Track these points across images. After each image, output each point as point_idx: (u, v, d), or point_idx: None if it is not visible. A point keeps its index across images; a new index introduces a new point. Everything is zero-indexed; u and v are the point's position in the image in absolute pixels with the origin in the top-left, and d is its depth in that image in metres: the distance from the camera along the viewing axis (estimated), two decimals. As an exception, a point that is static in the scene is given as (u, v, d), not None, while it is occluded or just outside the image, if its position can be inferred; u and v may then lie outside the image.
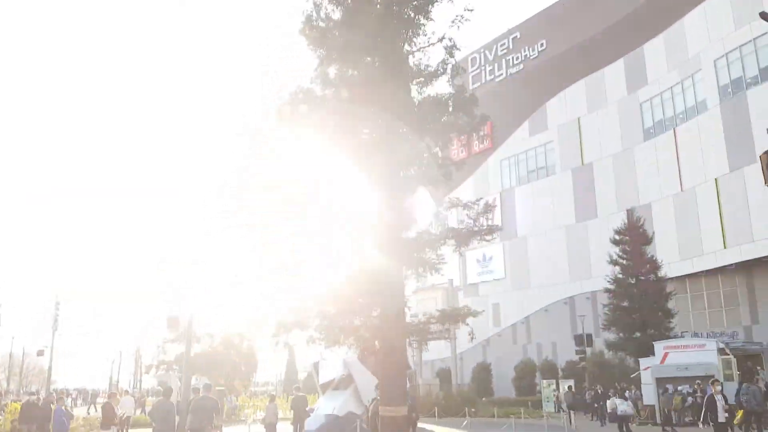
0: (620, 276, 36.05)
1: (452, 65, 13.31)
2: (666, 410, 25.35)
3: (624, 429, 23.27)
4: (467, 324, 13.13)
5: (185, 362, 19.72)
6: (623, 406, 23.38)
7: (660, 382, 27.63)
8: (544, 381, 43.19)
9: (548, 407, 39.37)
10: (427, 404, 34.14)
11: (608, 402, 26.77)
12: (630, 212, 38.44)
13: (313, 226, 13.58)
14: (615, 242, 37.02)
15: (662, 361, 28.58)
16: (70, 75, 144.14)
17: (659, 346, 29.19)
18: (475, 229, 13.02)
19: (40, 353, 43.10)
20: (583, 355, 41.29)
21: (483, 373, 49.66)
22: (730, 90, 40.74)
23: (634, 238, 36.15)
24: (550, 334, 50.69)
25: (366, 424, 16.54)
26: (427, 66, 13.52)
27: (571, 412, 27.70)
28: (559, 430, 25.06)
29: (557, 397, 39.90)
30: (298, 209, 13.91)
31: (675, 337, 33.90)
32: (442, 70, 13.38)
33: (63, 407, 17.21)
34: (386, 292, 12.68)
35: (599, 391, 28.85)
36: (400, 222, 12.78)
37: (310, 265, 13.59)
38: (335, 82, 13.91)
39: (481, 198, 13.51)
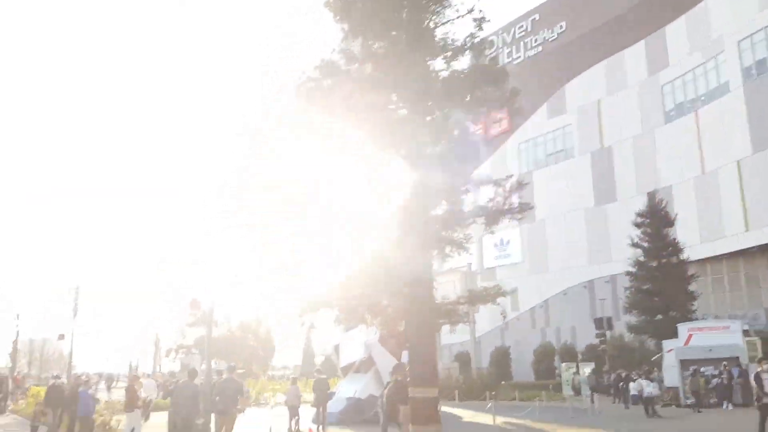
0: (642, 259, 35.67)
1: (481, 39, 12.97)
2: (698, 392, 25.14)
3: (650, 410, 23.07)
4: (498, 304, 12.93)
5: (206, 345, 19.71)
6: (649, 388, 23.17)
7: (684, 364, 27.37)
8: (563, 364, 43.00)
9: (568, 390, 39.20)
10: (448, 387, 34.06)
11: (632, 384, 26.51)
12: (652, 194, 37.96)
13: (337, 205, 13.39)
14: (637, 225, 36.59)
15: (686, 343, 28.32)
16: (71, 75, 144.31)
17: (683, 328, 28.90)
18: (506, 207, 12.77)
19: (61, 337, 43.37)
20: (603, 338, 41.06)
21: (502, 356, 49.47)
22: (754, 71, 40.07)
23: (655, 220, 35.70)
24: (569, 318, 50.37)
25: (381, 408, 16.36)
26: (454, 40, 13.20)
27: (594, 395, 27.45)
28: (582, 414, 24.90)
29: (573, 381, 39.70)
30: (323, 187, 13.73)
31: (697, 319, 33.57)
32: (469, 44, 13.04)
33: (89, 391, 17.21)
34: (414, 271, 12.48)
35: (622, 375, 28.58)
36: (428, 200, 12.55)
37: (335, 244, 13.41)
38: (360, 57, 13.67)
39: (511, 175, 13.25)
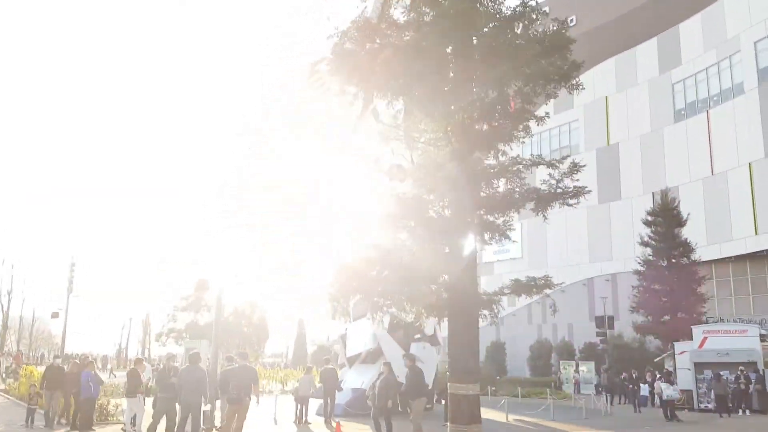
0: (651, 258, 34.90)
1: (532, 6, 11.90)
2: (722, 396, 24.35)
3: (669, 413, 22.26)
4: (547, 295, 11.97)
5: (214, 330, 18.61)
6: (669, 391, 22.32)
7: (698, 367, 26.65)
8: (563, 362, 42.35)
9: (569, 389, 38.54)
10: (446, 381, 33.14)
11: (642, 386, 25.77)
12: (664, 193, 37.15)
13: (375, 187, 12.37)
14: (647, 223, 35.78)
15: (700, 346, 27.55)
16: (74, 72, 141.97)
17: (698, 330, 28.13)
18: (559, 190, 11.77)
19: (55, 315, 41.95)
20: (603, 337, 40.39)
21: (497, 351, 48.74)
22: (770, 73, 39.40)
23: (667, 219, 34.91)
24: (567, 315, 49.57)
25: (372, 402, 15.34)
26: (501, 10, 12.14)
27: (606, 395, 26.64)
28: (596, 414, 24.05)
29: (576, 380, 39.10)
30: (361, 166, 12.70)
31: (707, 322, 32.89)
32: (519, 13, 11.98)
33: (93, 372, 16.09)
34: (457, 257, 11.48)
35: (633, 375, 27.78)
36: (475, 181, 11.53)
37: (370, 229, 12.37)
38: (401, 24, 12.62)
39: (567, 156, 12.24)
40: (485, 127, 12.26)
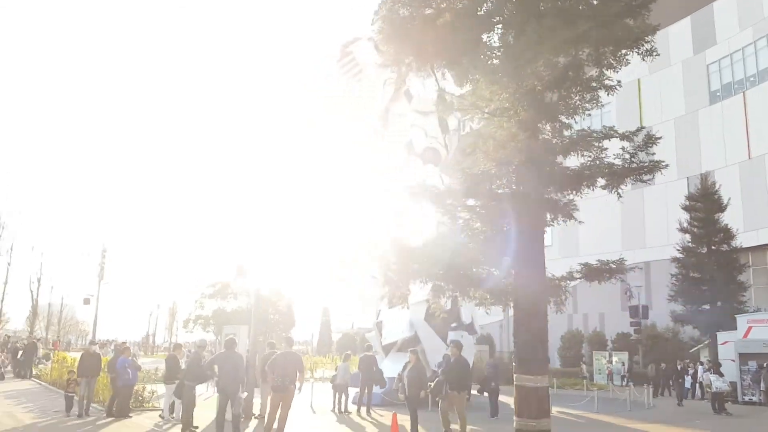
0: (690, 245, 33.81)
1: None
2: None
3: (717, 406, 21.36)
4: (623, 280, 11.12)
5: (253, 316, 17.99)
6: (718, 383, 21.40)
7: (743, 357, 25.67)
8: (596, 353, 41.43)
9: (600, 379, 37.68)
10: (479, 370, 32.37)
11: (683, 377, 24.84)
12: (704, 177, 35.96)
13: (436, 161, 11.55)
14: (686, 208, 34.67)
15: (745, 336, 26.58)
16: (120, 61, 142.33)
17: (742, 320, 27.17)
18: (634, 165, 10.88)
19: (86, 302, 41.58)
20: (638, 327, 39.36)
21: (526, 341, 47.82)
22: (810, 51, 38.00)
23: (707, 204, 33.76)
24: (598, 305, 48.60)
25: (403, 394, 14.63)
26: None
27: (648, 386, 25.68)
28: (639, 406, 23.17)
29: (609, 370, 38.23)
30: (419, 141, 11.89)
31: (748, 311, 31.79)
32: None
33: (130, 358, 15.49)
34: (526, 238, 10.65)
35: (678, 367, 26.82)
36: (541, 155, 10.66)
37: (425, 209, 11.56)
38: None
39: (642, 127, 11.33)
40: (554, 96, 11.37)
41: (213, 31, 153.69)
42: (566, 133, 11.43)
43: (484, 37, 11.22)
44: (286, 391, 13.29)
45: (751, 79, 42.04)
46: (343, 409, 19.38)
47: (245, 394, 15.54)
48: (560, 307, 11.23)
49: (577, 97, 11.14)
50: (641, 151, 10.95)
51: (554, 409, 20.92)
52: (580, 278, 11.31)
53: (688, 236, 34.10)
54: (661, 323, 42.22)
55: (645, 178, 11.02)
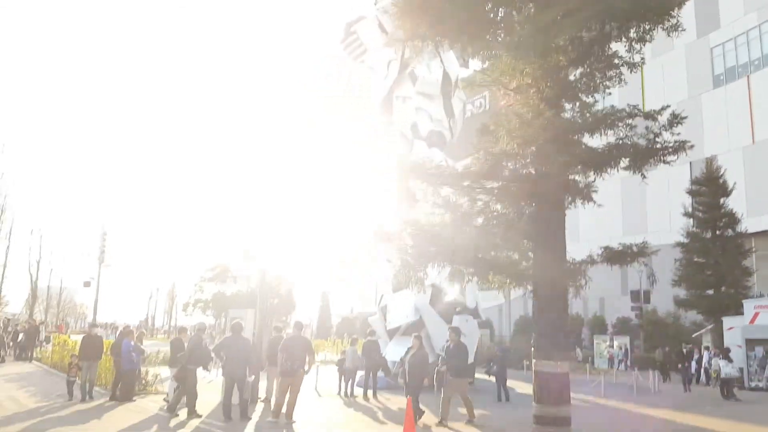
0: (695, 230, 33.57)
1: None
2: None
3: (726, 392, 21.18)
4: (645, 264, 10.83)
5: (258, 299, 17.70)
6: (728, 368, 21.19)
7: (750, 343, 25.47)
8: (597, 336, 41.30)
9: (601, 364, 37.56)
10: (481, 355, 32.20)
11: (689, 361, 24.65)
12: (709, 161, 35.66)
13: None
14: (691, 193, 34.40)
15: (752, 321, 26.37)
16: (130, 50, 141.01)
17: (749, 305, 26.94)
18: (658, 145, 10.56)
19: (87, 284, 41.20)
20: (639, 312, 39.20)
21: (527, 325, 47.71)
22: (816, 35, 37.59)
23: (712, 188, 33.48)
24: (598, 289, 48.34)
25: (405, 379, 14.36)
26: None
27: (654, 372, 25.48)
28: (645, 392, 23.00)
29: (610, 354, 38.12)
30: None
31: (753, 296, 31.59)
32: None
33: (133, 342, 15.16)
34: (547, 220, 10.33)
35: (684, 351, 26.62)
36: (567, 133, 10.31)
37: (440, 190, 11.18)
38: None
39: (667, 105, 10.98)
40: (578, 72, 11.04)
41: (213, 31, 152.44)
42: (586, 113, 11.08)
43: (503, 11, 10.83)
44: (295, 375, 13.06)
45: (756, 62, 41.60)
46: (349, 393, 19.16)
47: (252, 377, 15.28)
48: (578, 291, 10.94)
49: (599, 75, 10.79)
50: (666, 130, 10.62)
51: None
52: (601, 261, 10.97)
53: (692, 221, 33.84)
54: (661, 308, 42.12)
55: (669, 159, 10.66)
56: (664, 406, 18.58)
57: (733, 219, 32.74)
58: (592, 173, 10.93)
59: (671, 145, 10.48)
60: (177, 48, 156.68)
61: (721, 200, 33.26)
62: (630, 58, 10.81)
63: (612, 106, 10.74)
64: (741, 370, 24.31)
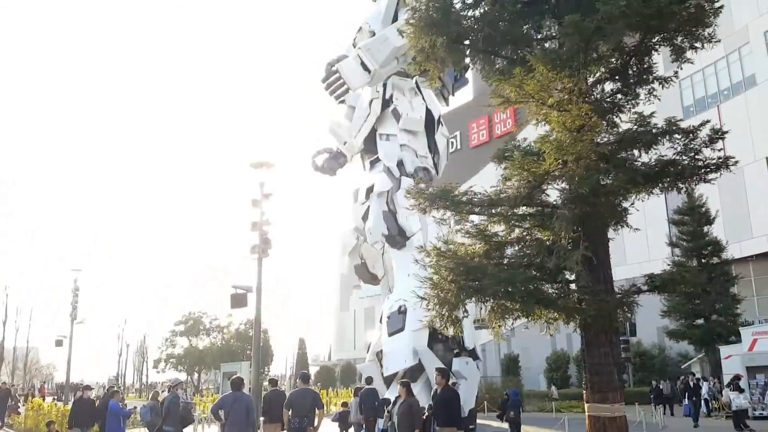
0: (680, 259, 33.26)
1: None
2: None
3: (741, 425, 20.37)
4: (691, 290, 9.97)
5: (254, 351, 16.42)
6: (739, 400, 20.44)
7: (750, 371, 24.89)
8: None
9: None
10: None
11: (697, 393, 23.87)
12: (690, 191, 35.55)
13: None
14: (675, 222, 34.24)
15: (750, 348, 25.82)
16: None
17: (746, 332, 26.44)
18: (699, 162, 9.82)
19: (59, 343, 38.74)
20: (626, 345, 38.57)
21: (512, 364, 46.79)
22: (784, 63, 38.32)
23: (695, 217, 33.37)
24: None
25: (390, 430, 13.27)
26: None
27: (657, 405, 24.67)
28: (654, 428, 22.11)
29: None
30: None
31: (743, 324, 31.20)
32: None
33: (120, 402, 13.68)
34: (591, 248, 9.41)
35: (691, 383, 25.83)
36: (620, 150, 9.57)
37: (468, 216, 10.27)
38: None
39: (707, 121, 10.30)
40: (612, 87, 10.40)
41: (212, 30, 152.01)
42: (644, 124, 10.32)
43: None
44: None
45: (725, 92, 42.26)
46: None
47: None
48: (625, 319, 10.07)
49: (636, 88, 10.17)
50: (706, 146, 9.92)
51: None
52: (647, 291, 10.12)
53: (677, 250, 33.60)
54: (647, 340, 41.62)
55: (710, 177, 9.92)
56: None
57: (718, 247, 32.53)
58: (642, 193, 10.14)
59: (714, 161, 9.71)
60: (170, 56, 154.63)
61: (705, 228, 33.09)
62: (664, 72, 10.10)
63: (649, 121, 10.02)
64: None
